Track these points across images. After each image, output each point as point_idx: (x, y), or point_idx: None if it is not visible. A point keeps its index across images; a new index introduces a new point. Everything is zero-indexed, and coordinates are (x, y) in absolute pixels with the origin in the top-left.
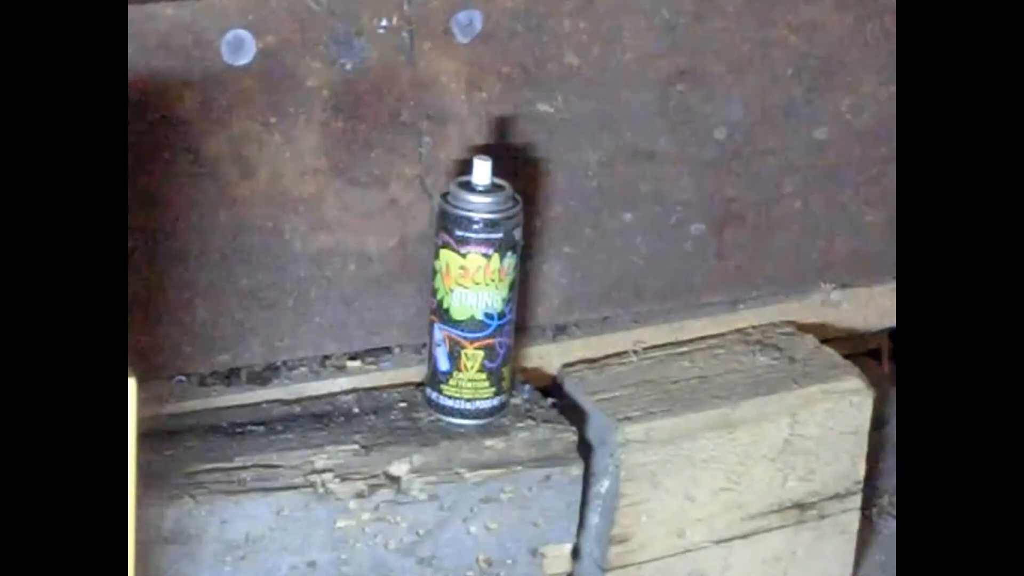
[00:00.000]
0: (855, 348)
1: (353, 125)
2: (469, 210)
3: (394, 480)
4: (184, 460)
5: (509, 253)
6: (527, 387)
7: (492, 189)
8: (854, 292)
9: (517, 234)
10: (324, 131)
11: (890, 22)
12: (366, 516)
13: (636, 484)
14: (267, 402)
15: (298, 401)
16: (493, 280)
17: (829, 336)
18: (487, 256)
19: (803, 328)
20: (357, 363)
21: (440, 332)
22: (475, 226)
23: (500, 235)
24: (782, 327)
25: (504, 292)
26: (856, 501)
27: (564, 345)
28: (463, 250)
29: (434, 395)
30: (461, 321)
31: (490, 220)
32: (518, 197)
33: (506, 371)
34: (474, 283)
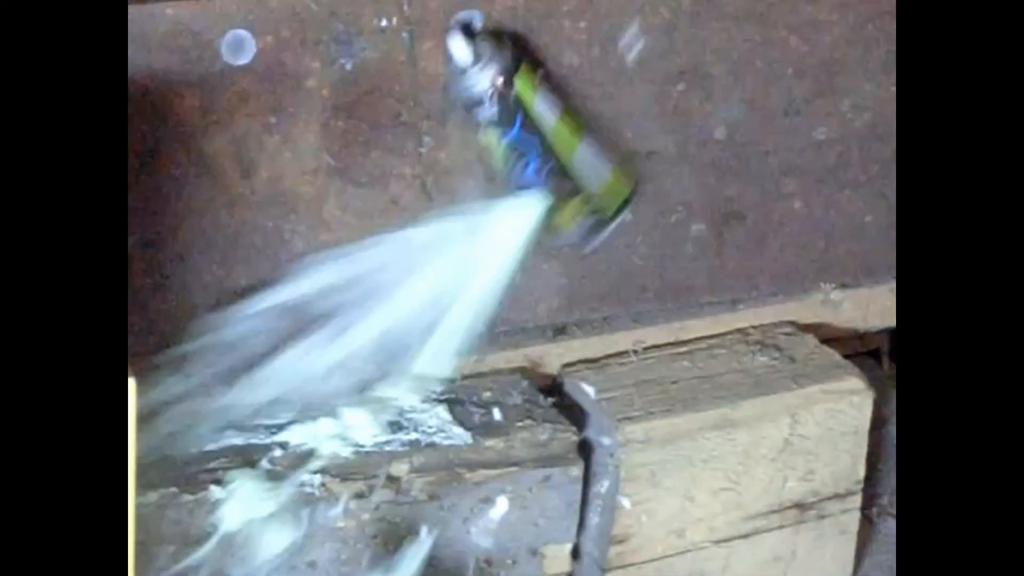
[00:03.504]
0: (855, 348)
1: (353, 125)
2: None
3: (394, 480)
4: (184, 459)
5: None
6: (526, 386)
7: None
8: (854, 292)
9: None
10: (324, 131)
11: (890, 22)
12: (366, 516)
13: (636, 484)
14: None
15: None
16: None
17: (829, 336)
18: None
19: (803, 328)
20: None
21: None
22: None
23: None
24: (782, 327)
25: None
26: (856, 501)
27: (564, 345)
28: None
29: None
30: None
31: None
32: (496, 83)
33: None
34: None
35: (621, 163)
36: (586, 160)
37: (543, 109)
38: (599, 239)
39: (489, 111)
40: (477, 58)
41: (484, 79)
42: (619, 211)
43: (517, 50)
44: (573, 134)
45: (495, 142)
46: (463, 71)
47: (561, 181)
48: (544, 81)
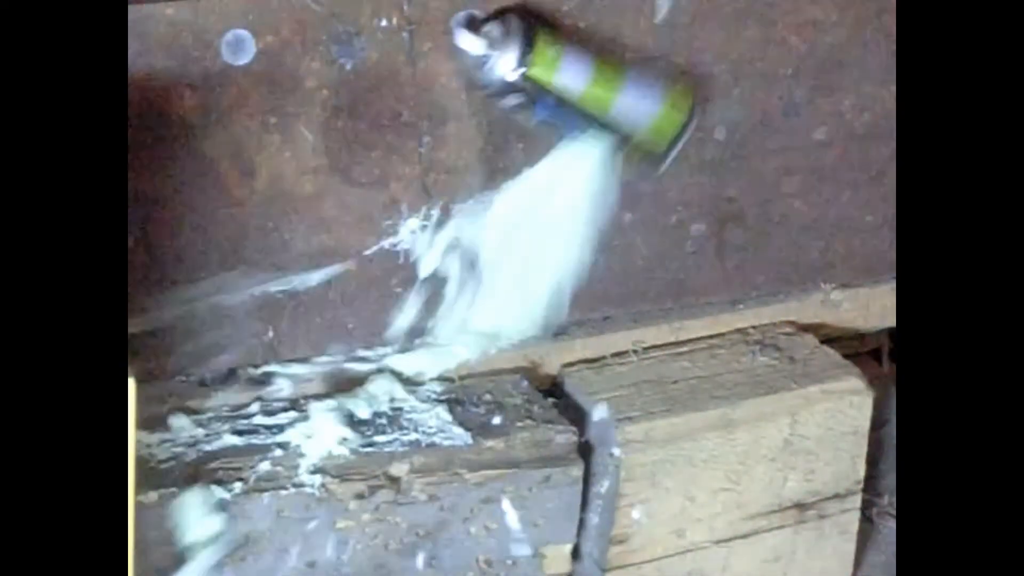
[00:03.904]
0: (855, 348)
1: (353, 125)
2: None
3: (394, 481)
4: (184, 460)
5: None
6: (526, 386)
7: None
8: (854, 292)
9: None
10: (324, 131)
11: (890, 22)
12: (366, 517)
13: (636, 484)
14: (266, 401)
15: (298, 400)
16: None
17: (829, 336)
18: None
19: (803, 328)
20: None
21: None
22: None
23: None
24: (782, 327)
25: None
26: (856, 501)
27: (564, 345)
28: None
29: None
30: None
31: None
32: (512, 70)
33: None
34: None
35: (673, 90)
36: (628, 109)
37: (568, 82)
38: (664, 165)
39: (513, 99)
40: (490, 47)
41: (500, 67)
42: (677, 139)
43: (529, 28)
44: (608, 91)
45: (528, 122)
46: (479, 65)
47: (605, 138)
48: (568, 50)
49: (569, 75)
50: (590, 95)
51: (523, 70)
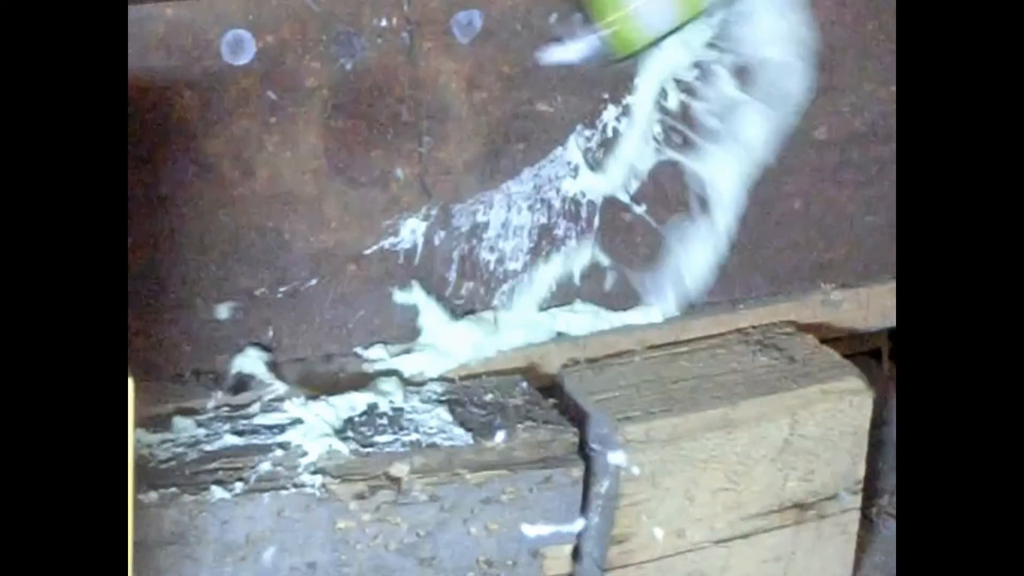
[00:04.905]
0: (855, 348)
1: (353, 125)
2: None
3: (395, 481)
4: (184, 460)
5: None
6: (527, 386)
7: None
8: (854, 292)
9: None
10: (324, 131)
11: (890, 22)
12: (366, 517)
13: (636, 484)
14: (266, 401)
15: (298, 400)
16: None
17: (829, 336)
18: None
19: (803, 328)
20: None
21: None
22: None
23: None
24: (782, 327)
25: None
26: (856, 501)
27: (564, 345)
28: None
29: None
30: None
31: None
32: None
33: None
34: None
35: None
36: None
37: (656, 30)
38: None
39: (612, 67)
40: (582, 43)
41: (597, 54)
42: None
43: (586, 7)
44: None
45: None
46: (583, 60)
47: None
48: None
49: (653, 23)
50: (684, 20)
51: (608, 32)
